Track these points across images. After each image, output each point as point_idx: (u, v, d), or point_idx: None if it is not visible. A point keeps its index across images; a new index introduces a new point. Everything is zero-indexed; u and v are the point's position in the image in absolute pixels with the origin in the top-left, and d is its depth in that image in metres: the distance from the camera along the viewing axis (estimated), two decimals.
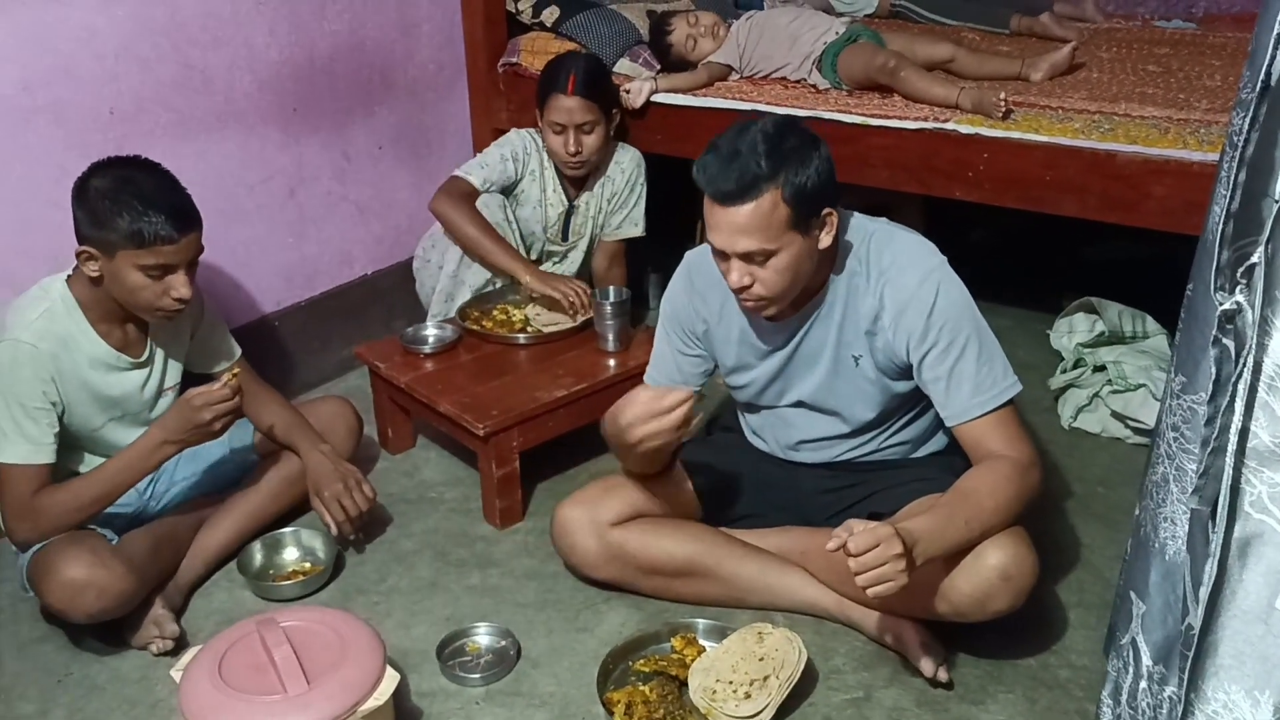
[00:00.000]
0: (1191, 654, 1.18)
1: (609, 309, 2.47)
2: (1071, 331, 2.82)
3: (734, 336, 1.95)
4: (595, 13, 3.05)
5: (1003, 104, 2.37)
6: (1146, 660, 1.29)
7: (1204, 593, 1.14)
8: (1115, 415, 2.57)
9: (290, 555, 2.23)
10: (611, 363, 2.47)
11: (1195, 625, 1.16)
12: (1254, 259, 1.07)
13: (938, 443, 2.00)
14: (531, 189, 2.78)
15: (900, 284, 1.78)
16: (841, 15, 3.40)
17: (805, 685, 1.80)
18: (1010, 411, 1.78)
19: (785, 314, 1.85)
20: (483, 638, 1.98)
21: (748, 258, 1.72)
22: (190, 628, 2.03)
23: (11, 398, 1.87)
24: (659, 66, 2.98)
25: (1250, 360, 1.08)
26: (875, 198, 2.72)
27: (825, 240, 1.76)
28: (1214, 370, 1.11)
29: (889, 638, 1.88)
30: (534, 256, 2.82)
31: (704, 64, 2.88)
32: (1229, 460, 1.10)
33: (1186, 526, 1.19)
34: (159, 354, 2.08)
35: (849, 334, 1.85)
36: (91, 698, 1.88)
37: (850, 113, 2.55)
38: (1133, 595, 1.33)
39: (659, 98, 2.84)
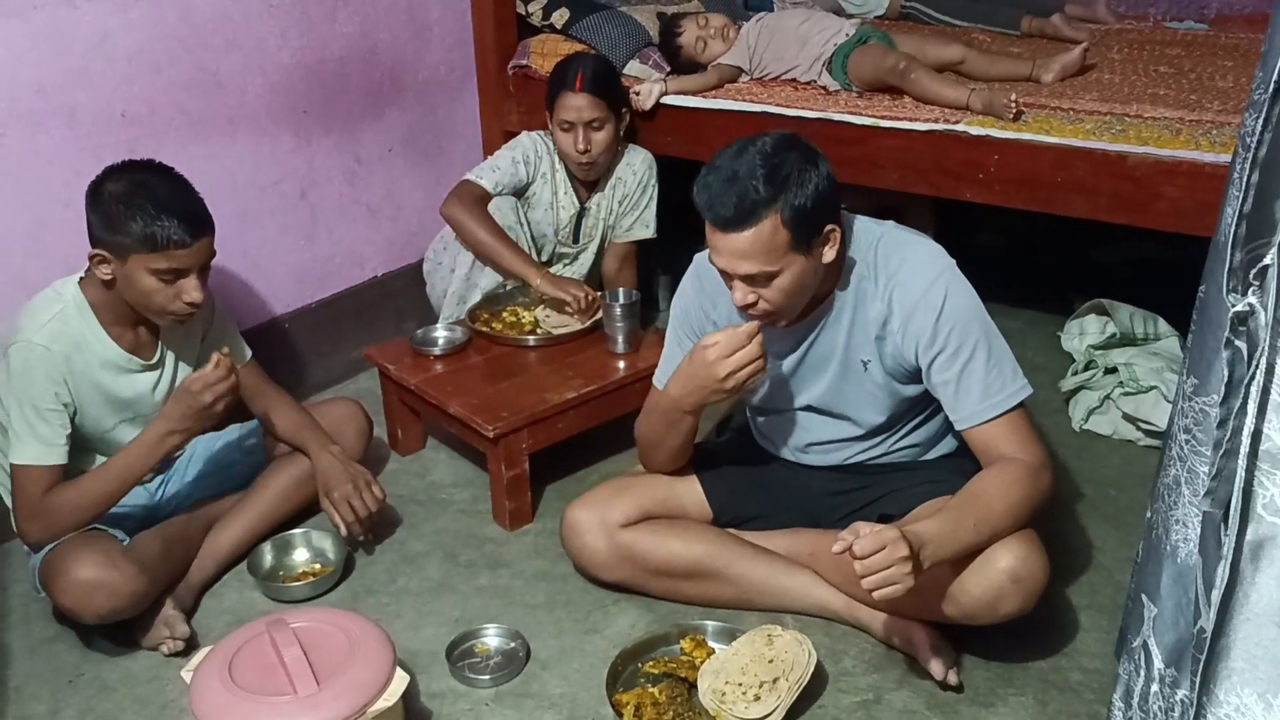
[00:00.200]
0: (1204, 657, 1.17)
1: (619, 311, 2.47)
2: (1083, 333, 2.81)
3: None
4: (605, 15, 3.05)
5: (1013, 105, 2.36)
6: (1158, 663, 1.28)
7: (1216, 595, 1.13)
8: (1126, 417, 2.56)
9: (300, 556, 2.23)
10: (621, 364, 2.47)
11: (1207, 628, 1.15)
12: (1267, 260, 1.07)
13: (948, 445, 1.99)
14: (543, 191, 2.78)
15: (908, 288, 1.78)
16: (852, 17, 3.39)
17: (815, 687, 1.79)
18: (1020, 414, 1.78)
19: (793, 320, 1.85)
20: (492, 639, 1.98)
21: (750, 279, 1.72)
22: (201, 628, 2.04)
23: (24, 399, 1.88)
24: (669, 68, 2.98)
25: (1263, 362, 1.07)
26: (885, 199, 2.72)
27: (829, 255, 1.75)
28: (1226, 372, 1.11)
29: (899, 640, 1.88)
30: (545, 258, 2.82)
31: (714, 66, 2.88)
32: (1241, 463, 1.10)
33: (1198, 529, 1.18)
34: (170, 356, 2.09)
35: (858, 339, 1.85)
36: (102, 698, 1.88)
37: (860, 114, 2.55)
38: (1144, 598, 1.33)
39: (669, 100, 2.84)
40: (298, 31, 2.66)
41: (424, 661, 1.93)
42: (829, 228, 1.73)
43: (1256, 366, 1.08)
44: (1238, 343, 1.09)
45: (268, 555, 2.20)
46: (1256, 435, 1.10)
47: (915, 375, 1.84)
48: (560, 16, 3.07)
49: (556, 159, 2.78)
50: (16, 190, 2.21)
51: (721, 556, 1.97)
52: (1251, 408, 1.08)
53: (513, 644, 1.96)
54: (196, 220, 1.88)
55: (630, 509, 2.00)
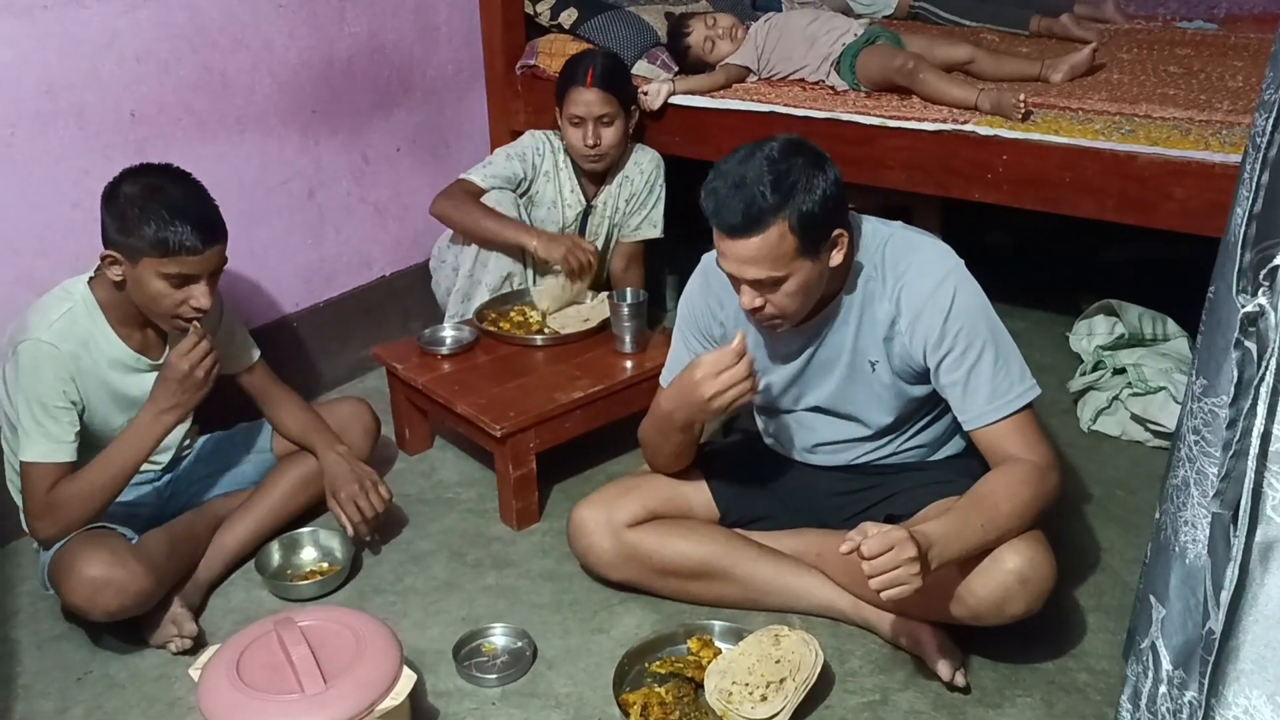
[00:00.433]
0: (1212, 659, 1.17)
1: (626, 310, 2.47)
2: (1091, 334, 2.80)
3: (749, 341, 1.94)
4: (613, 15, 3.05)
5: (1022, 105, 2.36)
6: (1166, 664, 1.28)
7: (1225, 597, 1.13)
8: (1135, 418, 2.56)
9: (308, 555, 2.24)
10: (628, 364, 2.47)
11: (1216, 630, 1.15)
12: (1277, 261, 1.06)
13: (955, 445, 1.99)
14: (546, 189, 2.78)
15: (916, 288, 1.78)
16: (860, 17, 3.39)
17: (821, 688, 1.79)
18: (1028, 415, 1.77)
19: (801, 321, 1.85)
20: (499, 638, 1.98)
21: (758, 284, 1.72)
22: (208, 627, 2.05)
23: (33, 397, 1.89)
24: (677, 68, 2.98)
25: (1273, 363, 1.07)
26: (893, 199, 2.72)
27: (837, 259, 1.75)
28: (1236, 373, 1.10)
29: (905, 640, 1.88)
30: None
31: (722, 66, 2.88)
32: (1251, 464, 1.09)
33: (1207, 530, 1.18)
34: None
35: (865, 339, 1.85)
36: (110, 695, 1.89)
37: (868, 114, 2.55)
38: (1152, 599, 1.32)
39: (677, 99, 2.84)
40: (305, 31, 2.67)
41: (431, 660, 1.94)
42: (836, 232, 1.72)
43: (1266, 367, 1.07)
44: (1247, 343, 1.09)
45: (275, 554, 2.21)
46: (1266, 436, 1.09)
47: (923, 376, 1.83)
48: (568, 16, 3.07)
49: (562, 156, 2.78)
50: (25, 190, 2.22)
51: (728, 556, 1.97)
52: (1261, 409, 1.08)
53: (519, 643, 1.97)
54: (209, 227, 1.88)
55: (637, 509, 2.00)
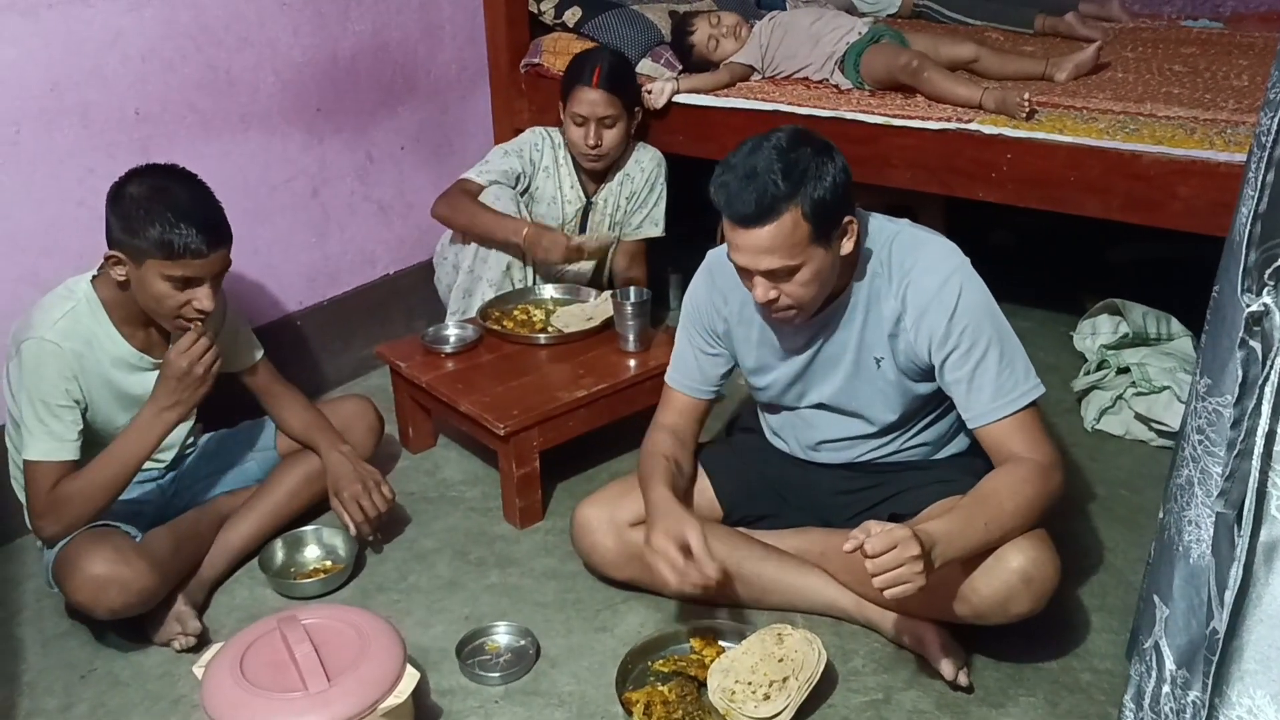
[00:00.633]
0: (1216, 658, 1.16)
1: (629, 309, 2.47)
2: (1095, 333, 2.80)
3: (754, 338, 1.95)
4: (617, 13, 3.05)
5: (1026, 104, 2.35)
6: (1170, 664, 1.28)
7: (1229, 597, 1.13)
8: (1139, 417, 2.55)
9: (311, 553, 2.24)
10: (632, 363, 2.47)
11: (1220, 629, 1.15)
12: None
13: (959, 444, 1.99)
14: (546, 185, 2.79)
15: (922, 286, 1.78)
16: (864, 15, 3.39)
17: (824, 687, 1.79)
18: (1032, 414, 1.77)
19: (807, 318, 1.85)
20: (502, 637, 1.98)
21: (772, 275, 1.71)
22: (212, 624, 2.05)
23: (36, 395, 1.89)
24: (681, 67, 2.98)
25: (1278, 362, 1.07)
26: (897, 198, 2.72)
27: (847, 247, 1.75)
28: (1240, 372, 1.10)
29: (909, 640, 1.88)
30: None
31: (726, 64, 2.88)
32: (1255, 463, 1.09)
33: (1211, 530, 1.17)
34: None
35: (871, 336, 1.85)
36: (114, 693, 1.89)
37: (872, 113, 2.55)
38: (1156, 599, 1.32)
39: (681, 98, 2.84)
40: (310, 30, 2.67)
41: (434, 659, 1.94)
42: (847, 219, 1.73)
43: (1271, 366, 1.07)
44: (1252, 343, 1.09)
45: (279, 552, 2.21)
46: (1271, 436, 1.09)
47: (928, 373, 1.83)
48: (572, 15, 3.07)
49: (563, 152, 2.79)
50: (30, 188, 2.22)
51: (731, 555, 1.97)
52: (1266, 408, 1.08)
53: (522, 642, 1.97)
54: (215, 231, 1.88)
55: (640, 507, 1.99)
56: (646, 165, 2.85)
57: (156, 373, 2.04)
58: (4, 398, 2.01)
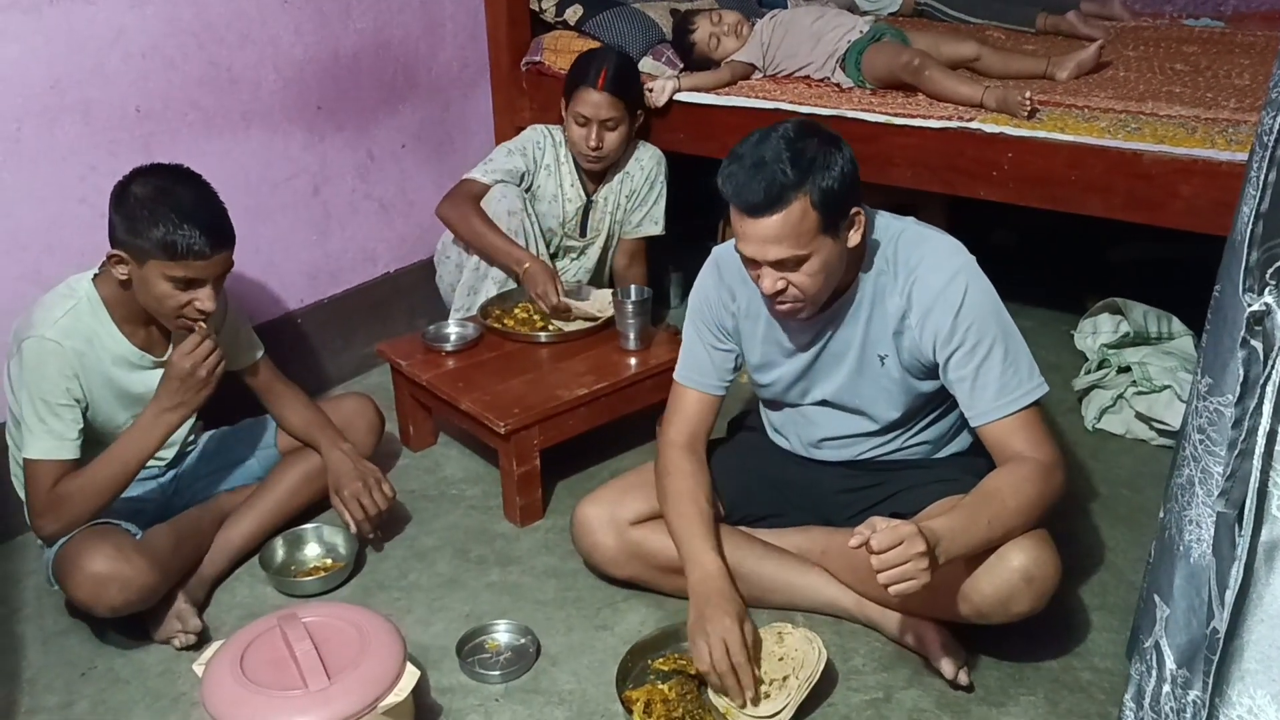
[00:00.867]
0: (1216, 658, 1.16)
1: (630, 308, 2.47)
2: (1096, 332, 2.80)
3: (760, 334, 1.95)
4: (619, 11, 3.05)
5: (1028, 103, 2.35)
6: (1170, 664, 1.28)
7: (1230, 596, 1.13)
8: (1140, 417, 2.55)
9: (312, 551, 2.24)
10: (632, 361, 2.47)
11: (1220, 629, 1.15)
12: None
13: (960, 443, 1.99)
14: (548, 183, 2.79)
15: (927, 283, 1.78)
16: (866, 14, 3.39)
17: (825, 685, 1.79)
18: (1035, 413, 1.77)
19: (812, 314, 1.85)
20: (502, 635, 1.98)
21: (780, 265, 1.71)
22: (212, 622, 2.05)
23: (36, 394, 1.89)
24: (682, 65, 2.98)
25: (1279, 362, 1.07)
26: (898, 197, 2.71)
27: (854, 239, 1.75)
28: (1242, 372, 1.10)
29: (909, 638, 1.88)
30: (552, 251, 2.83)
31: (727, 63, 2.88)
32: (1256, 463, 1.09)
33: (1212, 529, 1.17)
34: None
35: (875, 333, 1.85)
36: (115, 690, 1.89)
37: (874, 111, 2.54)
38: (1156, 598, 1.32)
39: (682, 96, 2.84)
40: (311, 27, 2.67)
41: (434, 657, 1.94)
42: (854, 210, 1.73)
43: (1272, 366, 1.07)
44: (1253, 342, 1.09)
45: (279, 550, 2.21)
46: (1272, 435, 1.09)
47: (932, 371, 1.83)
48: (574, 13, 3.07)
49: (564, 150, 2.79)
50: (32, 186, 2.22)
51: (732, 554, 1.96)
52: (1267, 408, 1.08)
53: (523, 640, 1.97)
54: (218, 232, 1.88)
55: (641, 506, 2.00)
56: (646, 163, 2.85)
57: (157, 371, 2.04)
58: (5, 395, 2.01)
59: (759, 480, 2.07)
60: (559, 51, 3.02)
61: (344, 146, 2.83)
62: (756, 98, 2.75)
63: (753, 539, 2.02)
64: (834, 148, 1.70)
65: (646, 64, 2.99)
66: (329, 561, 2.22)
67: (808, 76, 2.83)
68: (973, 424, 1.80)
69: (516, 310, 2.69)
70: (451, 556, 2.24)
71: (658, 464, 1.99)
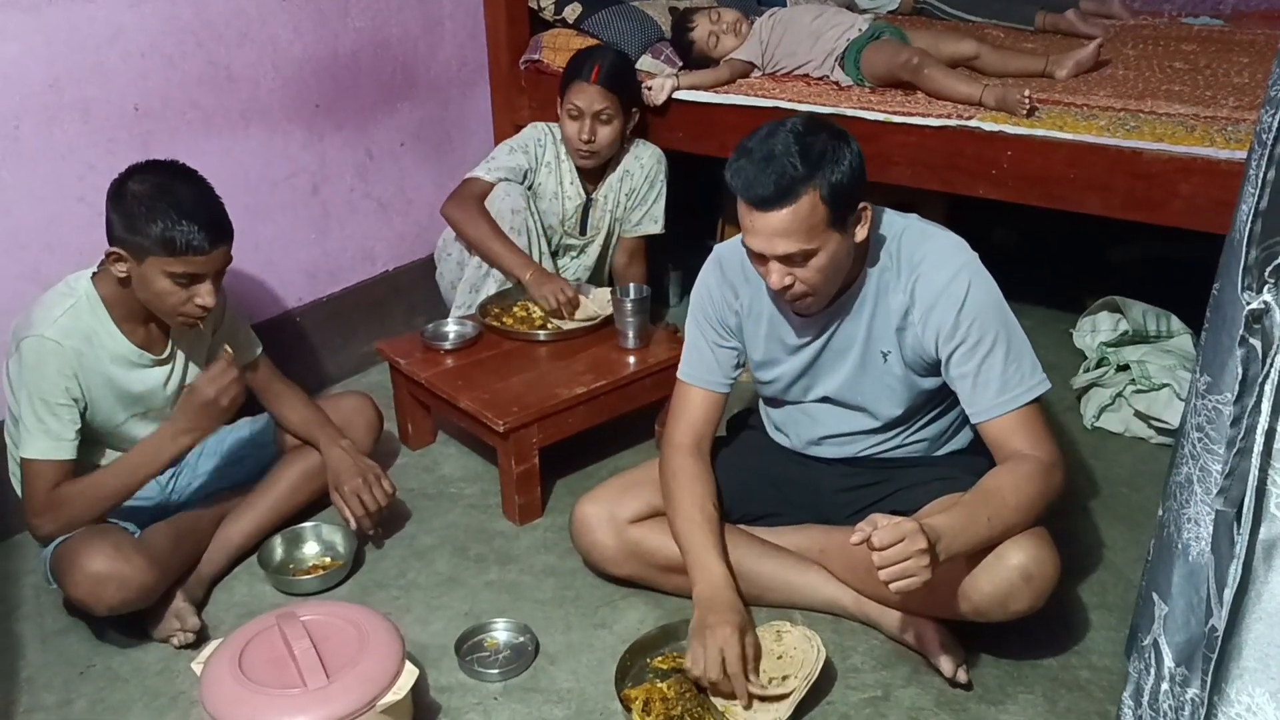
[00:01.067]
0: (1215, 656, 1.16)
1: (629, 306, 2.47)
2: (1095, 330, 2.80)
3: (762, 331, 1.95)
4: (617, 9, 3.05)
5: (1027, 101, 2.35)
6: (1169, 662, 1.28)
7: (1228, 594, 1.13)
8: (1139, 415, 2.55)
9: (310, 549, 2.24)
10: (631, 360, 2.47)
11: (1219, 627, 1.15)
12: None
13: (959, 441, 1.99)
14: (548, 181, 2.79)
15: (931, 279, 1.78)
16: (865, 12, 3.39)
17: (823, 684, 1.79)
18: (1036, 410, 1.77)
19: (818, 310, 1.85)
20: (501, 633, 1.98)
21: (788, 259, 1.71)
22: (211, 621, 2.05)
23: (35, 393, 1.89)
24: (681, 63, 2.98)
25: (1277, 360, 1.07)
26: (898, 196, 2.71)
27: (861, 234, 1.76)
28: (1240, 370, 1.10)
29: (908, 637, 1.88)
30: (552, 249, 2.83)
31: (726, 61, 2.88)
32: (1255, 461, 1.09)
33: (1210, 528, 1.17)
34: (180, 353, 2.10)
35: (878, 330, 1.85)
36: (113, 689, 1.89)
37: (873, 110, 2.54)
38: (1155, 596, 1.32)
39: (681, 95, 2.84)
40: (310, 26, 2.67)
41: (433, 655, 1.94)
42: (861, 205, 1.73)
43: (1271, 364, 1.07)
44: (1252, 340, 1.09)
45: (278, 548, 2.21)
46: (1270, 434, 1.09)
47: (934, 368, 1.83)
48: (572, 11, 3.07)
49: (563, 149, 2.79)
50: (31, 184, 2.22)
51: (731, 553, 1.96)
52: (1266, 406, 1.08)
53: (521, 638, 1.97)
54: (217, 228, 1.88)
55: (639, 505, 2.00)
56: (646, 162, 2.85)
57: (156, 370, 2.04)
58: (3, 394, 2.01)
59: (759, 478, 2.07)
60: (558, 50, 3.02)
61: (343, 145, 2.83)
62: (755, 96, 2.75)
63: (752, 537, 2.02)
64: (842, 142, 1.70)
65: (645, 62, 2.99)
66: (328, 560, 2.22)
67: (807, 75, 2.83)
68: (973, 421, 1.80)
69: (515, 309, 2.69)
70: (450, 555, 2.24)
71: (662, 466, 1.99)
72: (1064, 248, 3.51)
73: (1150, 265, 3.26)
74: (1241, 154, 2.07)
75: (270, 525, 2.22)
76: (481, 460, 2.57)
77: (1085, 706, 1.79)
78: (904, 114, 2.50)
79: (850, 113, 2.56)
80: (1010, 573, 1.69)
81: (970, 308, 1.75)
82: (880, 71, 2.67)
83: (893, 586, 1.56)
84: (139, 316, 2.00)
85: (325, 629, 1.70)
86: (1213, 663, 1.17)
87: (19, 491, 2.01)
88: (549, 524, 2.33)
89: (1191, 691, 1.22)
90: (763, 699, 1.70)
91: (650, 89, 2.83)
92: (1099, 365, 2.70)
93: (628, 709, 1.75)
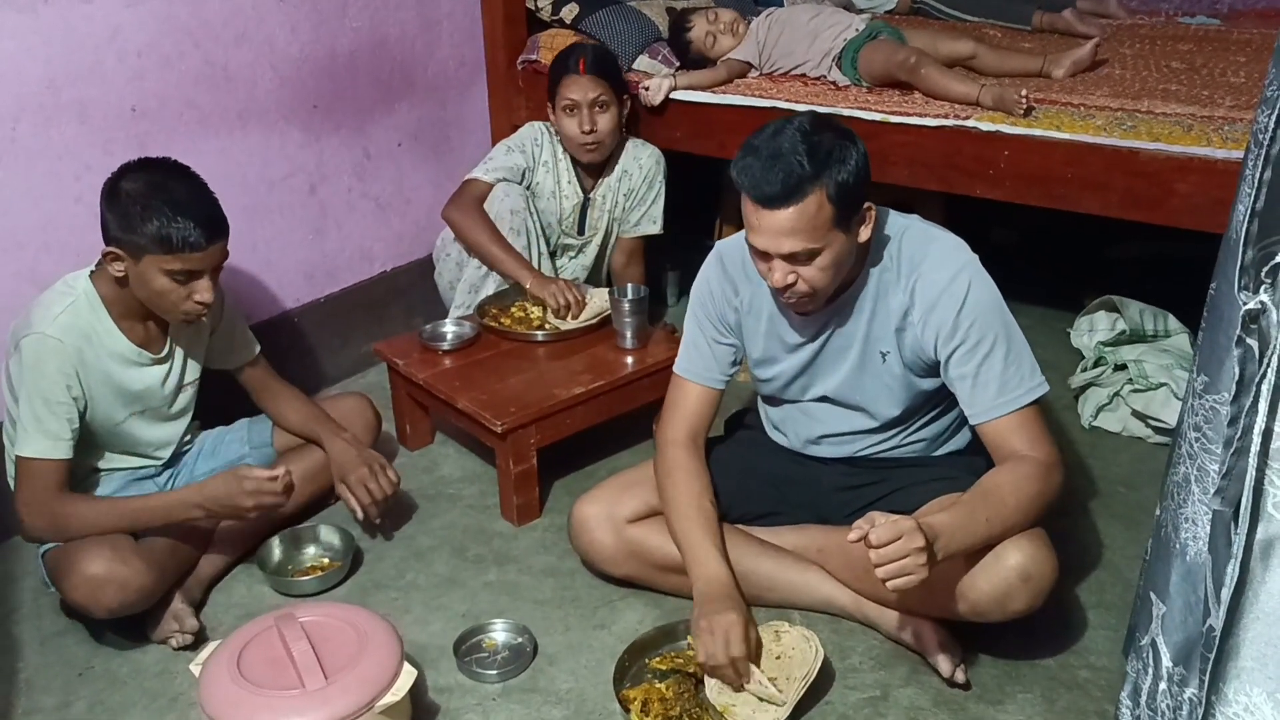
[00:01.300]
0: (1213, 656, 1.17)
1: (627, 306, 2.47)
2: (1092, 330, 2.80)
3: (762, 329, 1.95)
4: (614, 10, 3.05)
5: (1024, 101, 2.35)
6: (1166, 661, 1.28)
7: (1226, 594, 1.13)
8: (1136, 414, 2.56)
9: (309, 551, 2.24)
10: (629, 360, 2.47)
11: (1217, 627, 1.15)
12: (1279, 258, 1.06)
13: (958, 442, 1.99)
14: (546, 180, 2.79)
15: (931, 280, 1.78)
16: (862, 12, 3.39)
17: (822, 684, 1.79)
18: (1035, 411, 1.77)
19: (818, 309, 1.85)
20: (499, 634, 1.98)
21: (792, 257, 1.71)
22: (210, 622, 2.05)
23: (35, 392, 1.89)
24: (678, 64, 2.98)
25: (1274, 361, 1.07)
26: (896, 196, 2.71)
27: (864, 234, 1.76)
28: (1237, 370, 1.10)
29: (906, 636, 1.88)
30: (551, 249, 2.83)
31: (723, 61, 2.88)
32: (1252, 461, 1.09)
33: (1208, 527, 1.18)
34: (179, 351, 2.10)
35: (878, 330, 1.85)
36: (112, 691, 1.89)
37: (870, 110, 2.54)
38: (1153, 596, 1.32)
39: (678, 95, 2.83)
40: (308, 26, 2.67)
41: (431, 656, 1.94)
42: (866, 206, 1.74)
43: (1268, 365, 1.07)
44: (1249, 340, 1.09)
45: (276, 550, 2.21)
46: (1267, 434, 1.09)
47: (933, 368, 1.83)
48: (569, 11, 3.07)
49: (560, 148, 2.79)
50: (28, 185, 2.22)
51: (730, 552, 1.96)
52: (1263, 406, 1.08)
53: (520, 639, 1.97)
54: (213, 223, 1.89)
55: (638, 504, 2.00)
56: (645, 163, 2.85)
57: (155, 369, 2.04)
58: (2, 395, 2.01)
59: (757, 478, 2.07)
60: (555, 50, 3.00)
61: (340, 145, 2.83)
62: (753, 96, 2.75)
63: (750, 537, 2.02)
64: (849, 142, 1.70)
65: (643, 62, 2.99)
66: (326, 561, 2.22)
67: (804, 74, 2.83)
68: (972, 422, 1.80)
69: (514, 309, 2.69)
70: (449, 556, 2.24)
71: (658, 464, 1.99)
72: (1061, 247, 3.51)
73: (1147, 264, 3.26)
74: (1238, 153, 2.07)
75: (268, 526, 2.21)
76: (480, 461, 2.57)
77: (1083, 706, 1.79)
78: (901, 114, 2.50)
79: (847, 112, 2.56)
80: (1008, 573, 1.69)
81: (970, 309, 1.75)
82: (877, 71, 2.67)
83: (890, 585, 1.56)
84: (137, 315, 2.00)
85: (324, 630, 1.70)
86: (1210, 662, 1.17)
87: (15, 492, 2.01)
88: (547, 524, 2.33)
89: (1189, 691, 1.22)
90: (761, 699, 1.71)
91: (647, 89, 2.83)
92: (1096, 365, 2.70)
93: (626, 709, 1.75)
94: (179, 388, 2.11)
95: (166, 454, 2.17)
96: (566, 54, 2.73)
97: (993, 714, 1.78)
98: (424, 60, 2.99)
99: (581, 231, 2.87)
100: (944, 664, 1.80)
